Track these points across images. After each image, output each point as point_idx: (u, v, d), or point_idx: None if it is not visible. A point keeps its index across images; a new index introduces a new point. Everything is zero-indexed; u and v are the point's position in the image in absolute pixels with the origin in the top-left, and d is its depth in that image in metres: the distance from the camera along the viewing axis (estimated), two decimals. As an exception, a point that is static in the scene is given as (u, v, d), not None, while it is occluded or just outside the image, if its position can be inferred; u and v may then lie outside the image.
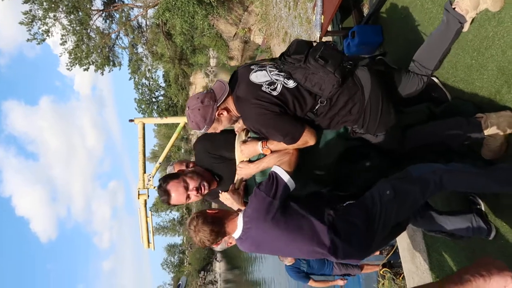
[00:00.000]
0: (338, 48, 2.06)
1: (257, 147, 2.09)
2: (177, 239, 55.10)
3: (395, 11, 3.30)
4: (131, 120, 6.76)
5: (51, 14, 17.69)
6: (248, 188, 2.28)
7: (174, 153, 28.56)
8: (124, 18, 20.23)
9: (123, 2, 20.54)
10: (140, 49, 22.07)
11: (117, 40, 21.02)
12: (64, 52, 18.93)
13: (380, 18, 3.58)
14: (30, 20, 17.43)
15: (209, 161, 2.34)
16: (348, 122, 2.10)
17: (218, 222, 1.94)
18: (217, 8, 13.74)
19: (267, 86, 1.97)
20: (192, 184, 2.22)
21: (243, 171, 2.16)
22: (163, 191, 2.23)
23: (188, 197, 2.24)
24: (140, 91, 23.29)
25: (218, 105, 2.01)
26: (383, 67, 2.77)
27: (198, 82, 26.87)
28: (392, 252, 4.47)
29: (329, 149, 2.22)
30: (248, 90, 1.99)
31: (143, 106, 23.32)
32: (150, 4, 18.88)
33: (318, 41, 2.10)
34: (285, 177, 1.93)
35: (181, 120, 7.09)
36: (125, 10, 20.36)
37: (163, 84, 25.05)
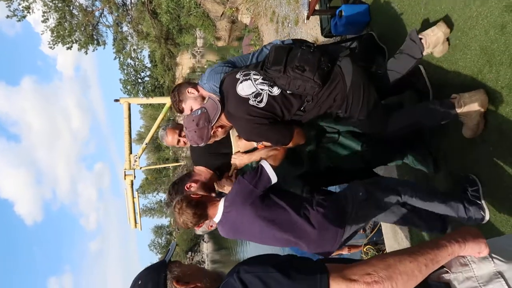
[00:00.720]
0: (315, 48, 2.08)
1: (253, 142, 2.31)
2: (164, 221, 55.15)
3: (383, -9, 3.29)
4: (117, 100, 6.66)
5: (32, -10, 17.06)
6: None
7: (161, 134, 28.29)
8: (108, -5, 19.65)
9: (106, -22, 19.91)
10: (125, 28, 21.54)
11: (101, 18, 20.46)
12: (46, 30, 18.38)
13: (367, -3, 3.57)
14: (9, -4, 16.79)
15: (208, 159, 2.52)
16: (332, 108, 2.21)
17: (201, 205, 2.09)
18: (204, -14, 13.45)
19: (254, 99, 2.10)
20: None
21: (237, 161, 2.37)
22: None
23: None
24: (125, 71, 22.88)
25: (212, 125, 2.19)
26: (372, 43, 2.86)
27: (185, 62, 26.48)
28: (375, 230, 4.59)
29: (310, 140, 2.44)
30: (237, 106, 2.14)
31: (128, 87, 22.95)
32: (135, -19, 18.36)
33: (294, 44, 2.16)
34: (269, 171, 2.09)
35: (167, 101, 7.01)
36: (109, -13, 19.75)
37: (149, 65, 24.63)
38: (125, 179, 7.01)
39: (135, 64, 23.15)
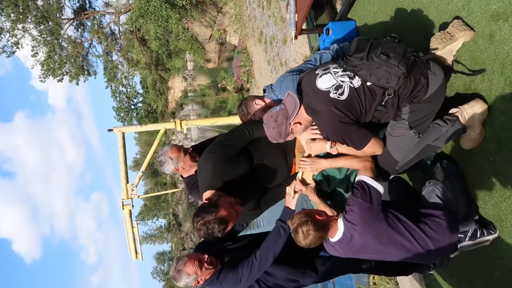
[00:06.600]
0: (400, 40, 2.01)
1: (326, 146, 2.22)
2: (166, 247, 54.36)
3: (368, 6, 3.33)
4: (110, 130, 6.64)
5: (20, 26, 17.15)
6: (328, 180, 2.46)
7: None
8: (96, 26, 19.80)
9: (94, 9, 20.12)
10: (114, 57, 21.65)
11: (90, 49, 20.57)
12: (36, 64, 18.41)
13: (353, 13, 3.61)
14: (-3, 33, 16.88)
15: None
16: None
17: (324, 227, 2.09)
18: (191, 11, 13.64)
19: (334, 92, 2.03)
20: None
21: (314, 166, 2.29)
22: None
23: None
24: (118, 99, 22.87)
25: (290, 121, 2.15)
26: None
27: (177, 86, 26.61)
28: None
29: None
30: (317, 100, 2.08)
31: (122, 114, 22.92)
32: (122, 10, 18.58)
33: (377, 38, 2.06)
34: (374, 183, 2.09)
35: (161, 127, 7.01)
36: (97, 17, 19.94)
37: (141, 91, 24.71)
38: (123, 209, 6.93)
39: (127, 91, 23.19)
